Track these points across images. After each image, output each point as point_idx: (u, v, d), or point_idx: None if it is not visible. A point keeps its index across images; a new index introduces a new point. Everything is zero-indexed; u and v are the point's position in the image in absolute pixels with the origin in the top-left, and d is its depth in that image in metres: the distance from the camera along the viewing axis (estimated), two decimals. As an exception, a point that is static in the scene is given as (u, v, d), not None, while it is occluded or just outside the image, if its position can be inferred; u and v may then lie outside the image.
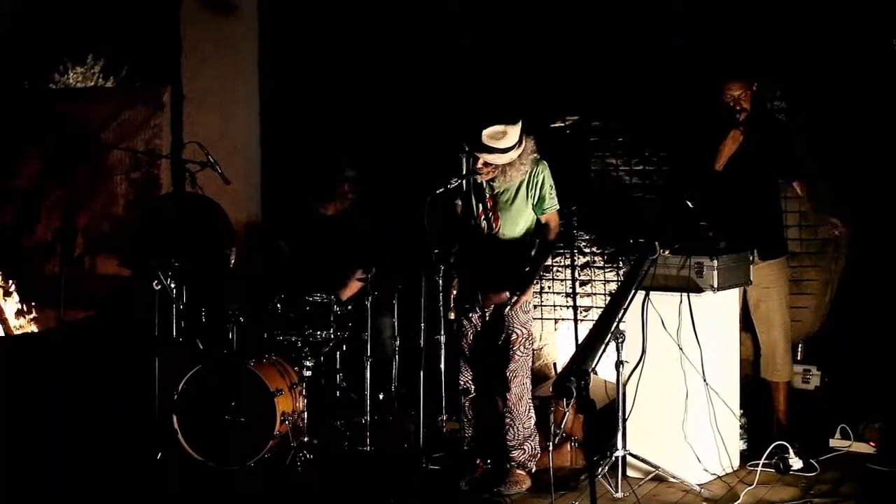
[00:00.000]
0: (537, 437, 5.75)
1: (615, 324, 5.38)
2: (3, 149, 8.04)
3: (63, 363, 6.71)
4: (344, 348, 6.47)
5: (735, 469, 5.91)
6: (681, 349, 5.65)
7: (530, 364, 5.74)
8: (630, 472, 5.70)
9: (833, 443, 6.15)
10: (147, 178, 7.89)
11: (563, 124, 7.04)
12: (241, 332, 6.29)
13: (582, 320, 7.10)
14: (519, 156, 5.61)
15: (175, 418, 6.00)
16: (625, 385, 5.61)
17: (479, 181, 5.65)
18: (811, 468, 5.78)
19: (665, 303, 5.68)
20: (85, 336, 7.15)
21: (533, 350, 5.81)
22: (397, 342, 6.44)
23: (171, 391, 6.01)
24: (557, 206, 5.72)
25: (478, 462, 5.82)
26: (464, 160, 5.58)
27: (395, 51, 7.63)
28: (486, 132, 5.55)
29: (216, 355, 6.24)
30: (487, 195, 5.70)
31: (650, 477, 5.67)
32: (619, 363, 5.52)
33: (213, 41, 7.73)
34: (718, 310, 5.87)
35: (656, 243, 5.53)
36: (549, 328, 7.55)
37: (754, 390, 6.33)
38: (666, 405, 5.69)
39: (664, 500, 5.49)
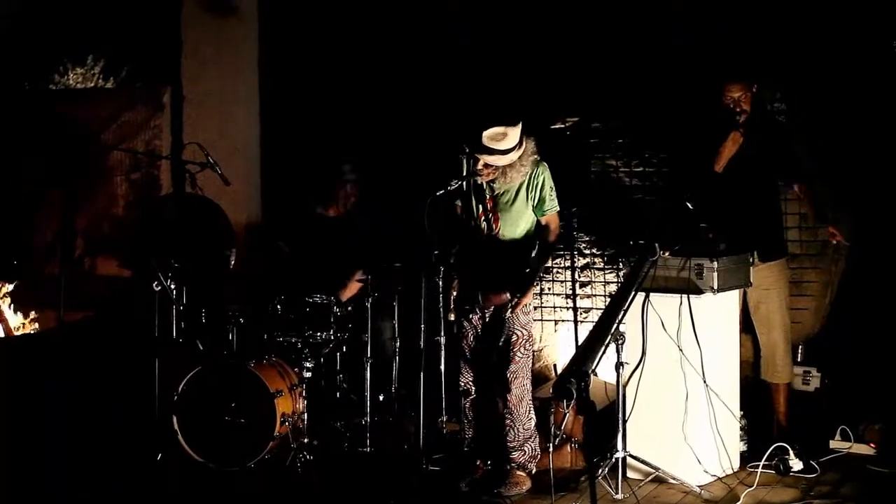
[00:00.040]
0: (537, 439, 5.75)
1: (615, 325, 5.39)
2: (3, 149, 8.04)
3: (63, 364, 6.70)
4: (344, 349, 6.47)
5: (735, 470, 5.91)
6: (681, 351, 5.65)
7: (530, 365, 5.75)
8: (630, 474, 5.70)
9: (833, 444, 6.15)
10: (147, 179, 7.89)
11: (563, 126, 7.04)
12: (241, 333, 6.29)
13: (582, 322, 7.10)
14: (519, 157, 5.61)
15: (175, 419, 6.00)
16: (625, 386, 5.62)
17: (479, 182, 5.66)
18: (811, 469, 5.78)
19: (665, 304, 5.68)
20: (85, 337, 7.14)
21: (533, 351, 5.81)
22: (397, 343, 6.44)
23: (171, 392, 6.01)
24: (558, 208, 5.72)
25: (478, 463, 5.82)
26: (464, 161, 5.58)
27: (396, 51, 7.63)
28: (486, 133, 5.55)
29: (216, 356, 6.24)
30: (488, 196, 5.70)
31: (650, 478, 5.67)
32: (619, 365, 5.52)
33: (213, 42, 7.73)
34: (718, 311, 5.87)
35: (656, 245, 5.54)
36: (549, 329, 7.55)
37: (754, 392, 6.33)
38: (666, 406, 5.69)
39: (664, 501, 5.49)
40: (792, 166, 6.29)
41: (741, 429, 6.06)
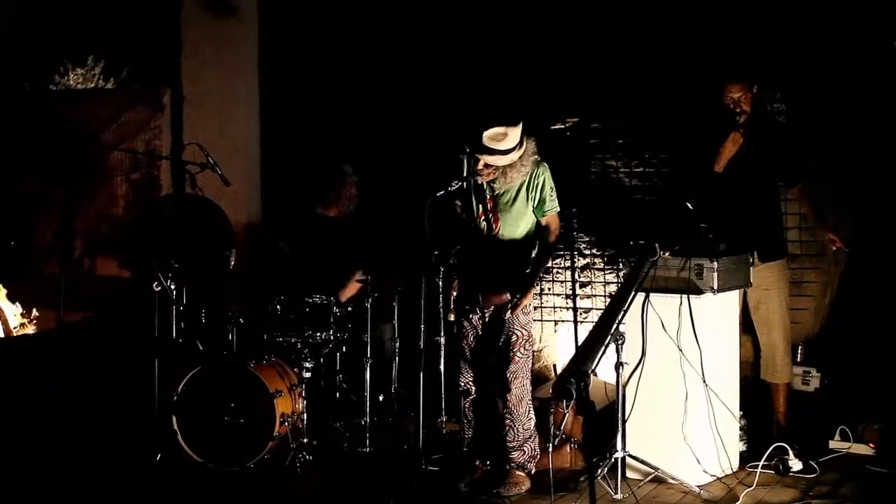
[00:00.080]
0: (537, 439, 5.75)
1: (615, 325, 5.39)
2: (3, 150, 8.04)
3: (64, 364, 6.70)
4: (344, 350, 6.47)
5: (734, 470, 5.91)
6: (680, 351, 5.65)
7: (530, 365, 5.75)
8: (629, 474, 5.70)
9: (832, 444, 6.15)
10: (147, 180, 7.89)
11: (563, 126, 7.04)
12: (240, 334, 6.30)
13: (582, 322, 7.10)
14: (519, 157, 5.61)
15: (175, 419, 6.00)
16: (624, 386, 5.62)
17: (479, 182, 5.66)
18: (811, 470, 5.79)
19: (665, 304, 5.68)
20: (85, 337, 7.14)
21: (533, 352, 5.82)
22: (397, 343, 6.44)
23: (170, 392, 6.02)
24: (558, 208, 5.72)
25: (477, 463, 5.82)
26: (464, 161, 5.58)
27: (396, 51, 7.63)
28: (486, 134, 5.55)
29: (216, 356, 6.25)
30: (488, 196, 5.70)
31: (649, 478, 5.67)
32: (618, 365, 5.52)
33: (213, 43, 7.73)
34: (718, 311, 5.87)
35: (656, 245, 5.54)
36: (549, 330, 7.55)
37: (754, 392, 6.33)
38: (665, 407, 5.69)
39: (663, 501, 5.49)
40: (792, 167, 6.29)
41: (741, 429, 6.07)
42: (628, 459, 5.64)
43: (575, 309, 6.21)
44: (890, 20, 6.39)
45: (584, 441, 6.01)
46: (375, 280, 6.23)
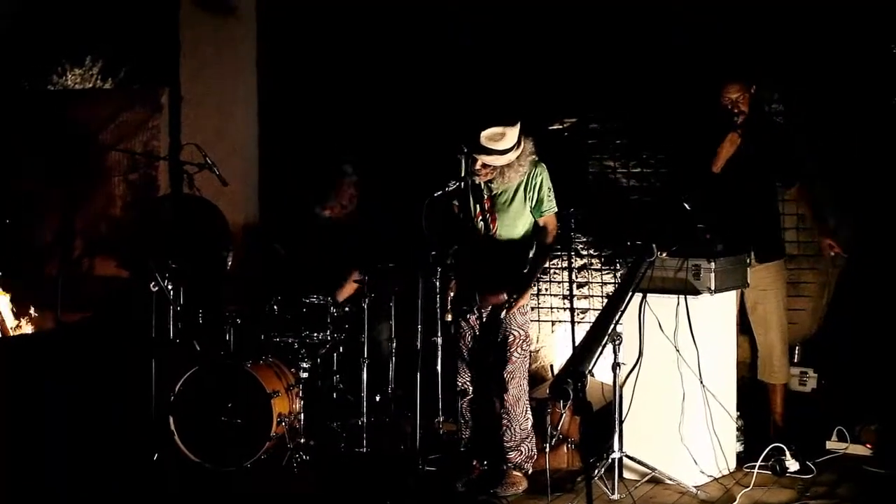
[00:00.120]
0: (534, 439, 5.74)
1: (612, 326, 5.40)
2: (1, 150, 8.04)
3: (62, 364, 6.71)
4: (341, 350, 6.46)
5: (731, 471, 5.91)
6: (678, 351, 5.64)
7: (528, 366, 5.74)
8: (626, 474, 5.69)
9: (829, 445, 6.16)
10: (145, 180, 7.89)
11: (560, 126, 7.05)
12: (237, 334, 6.29)
13: (579, 322, 7.11)
14: (517, 157, 5.60)
15: (172, 419, 6.00)
16: (621, 387, 5.62)
17: (477, 182, 5.65)
18: (808, 470, 5.79)
19: (662, 305, 5.68)
20: (83, 337, 7.14)
21: (530, 352, 5.82)
22: (394, 344, 6.44)
23: (167, 392, 6.01)
24: (555, 209, 5.71)
25: (474, 463, 5.82)
26: (462, 161, 5.58)
27: (395, 51, 7.63)
28: (484, 134, 5.54)
29: (213, 357, 6.24)
30: (485, 196, 5.69)
31: (647, 479, 5.67)
32: (615, 365, 5.53)
33: (211, 43, 7.73)
34: (715, 312, 5.87)
35: (653, 245, 5.54)
36: (546, 330, 7.55)
37: (751, 392, 6.33)
38: (662, 407, 5.69)
39: (660, 502, 5.49)
40: (790, 167, 6.29)
41: (738, 429, 6.07)
42: (625, 460, 5.63)
43: (572, 309, 6.20)
44: (888, 21, 6.39)
45: (581, 441, 6.01)
46: (372, 280, 6.23)
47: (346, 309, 6.41)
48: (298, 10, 7.80)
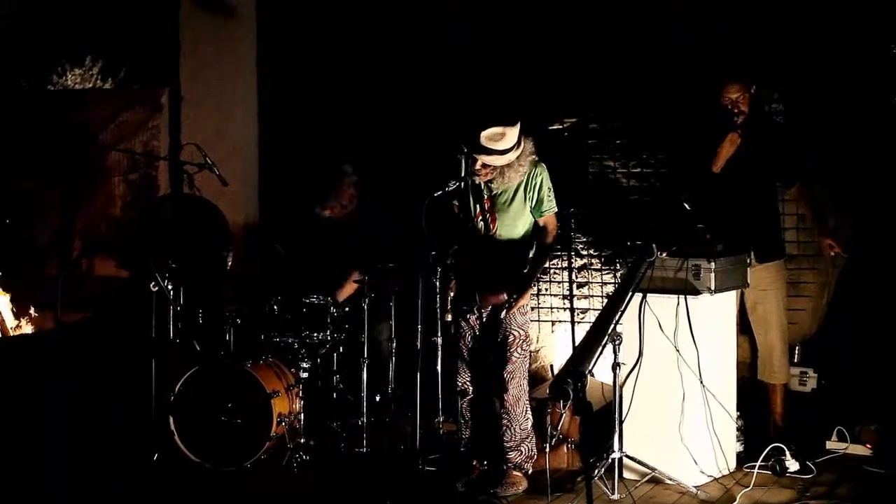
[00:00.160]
0: (534, 439, 5.74)
1: (612, 326, 5.39)
2: (1, 150, 8.04)
3: (62, 364, 6.71)
4: (341, 350, 6.46)
5: (731, 471, 5.91)
6: (678, 351, 5.64)
7: (528, 366, 5.74)
8: (626, 474, 5.69)
9: (829, 445, 6.16)
10: (145, 180, 7.90)
11: (560, 126, 7.04)
12: (237, 334, 6.29)
13: (579, 322, 7.11)
14: (517, 157, 5.60)
15: (172, 419, 6.00)
16: (621, 387, 5.62)
17: (477, 182, 5.65)
18: (808, 470, 5.79)
19: (662, 305, 5.68)
20: (83, 337, 7.14)
21: (530, 352, 5.82)
22: (394, 344, 6.44)
23: (167, 392, 6.01)
24: (556, 209, 5.71)
25: (474, 463, 5.81)
26: (462, 161, 5.58)
27: (395, 51, 7.63)
28: (484, 134, 5.54)
29: (213, 357, 6.24)
30: (485, 196, 5.69)
31: (647, 479, 5.67)
32: (615, 365, 5.53)
33: (211, 43, 7.73)
34: (715, 312, 5.87)
35: (653, 245, 5.54)
36: (546, 330, 7.55)
37: (751, 392, 6.33)
38: (663, 407, 5.69)
39: (660, 502, 5.49)
40: (790, 167, 6.29)
41: (738, 429, 6.07)
42: (625, 460, 5.63)
43: (572, 309, 6.20)
44: (888, 21, 6.39)
45: (581, 441, 6.01)
46: (372, 280, 6.23)
47: (346, 309, 6.41)
48: (298, 11, 7.80)
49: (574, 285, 7.31)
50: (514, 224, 5.68)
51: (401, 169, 7.40)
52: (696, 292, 5.69)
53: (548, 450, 5.68)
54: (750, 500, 5.46)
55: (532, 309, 6.54)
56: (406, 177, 7.16)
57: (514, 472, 5.66)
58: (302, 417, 6.10)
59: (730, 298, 6.03)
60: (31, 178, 8.01)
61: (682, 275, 5.74)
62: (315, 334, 6.26)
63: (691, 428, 5.65)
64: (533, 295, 7.16)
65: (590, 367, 5.31)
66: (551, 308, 7.53)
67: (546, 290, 7.53)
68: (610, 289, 7.30)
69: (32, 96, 8.42)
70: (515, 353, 5.63)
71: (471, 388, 5.79)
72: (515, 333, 5.63)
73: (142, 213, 7.62)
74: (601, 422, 5.73)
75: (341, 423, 6.30)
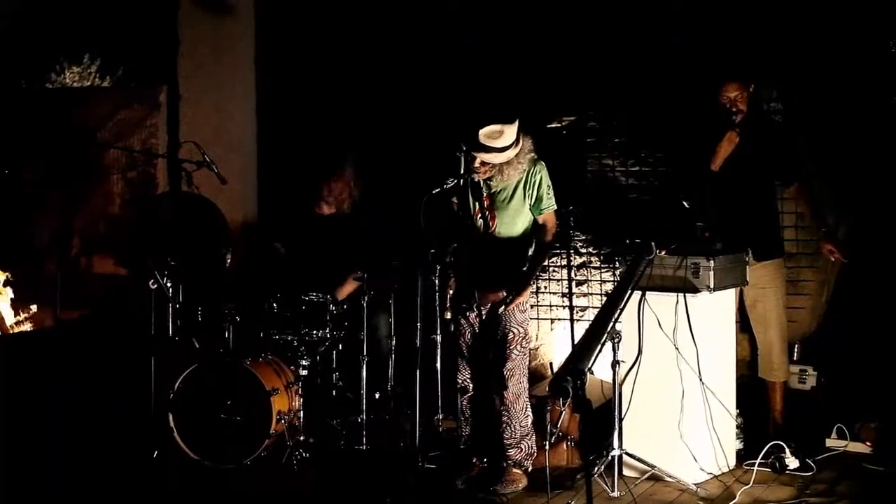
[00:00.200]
0: (534, 436, 5.74)
1: (611, 324, 5.40)
2: (0, 149, 8.03)
3: (62, 362, 6.70)
4: (340, 347, 6.47)
5: (731, 468, 5.91)
6: (677, 349, 5.65)
7: (527, 363, 5.74)
8: (626, 472, 5.69)
9: (829, 442, 6.16)
10: (143, 178, 7.88)
11: (559, 125, 7.04)
12: (237, 331, 6.29)
13: (578, 320, 7.10)
14: (516, 155, 5.60)
15: (171, 417, 6.00)
16: (621, 385, 5.62)
17: (476, 180, 5.65)
18: (807, 468, 5.79)
19: (661, 303, 5.68)
20: (82, 335, 7.13)
21: (529, 349, 5.81)
22: (393, 341, 6.44)
23: (167, 390, 6.01)
24: (555, 206, 5.71)
25: (474, 461, 5.82)
26: (461, 159, 5.58)
27: (394, 50, 7.62)
28: (482, 131, 5.54)
29: (212, 354, 6.24)
30: (484, 194, 5.69)
31: (646, 476, 5.67)
32: (615, 363, 5.52)
33: (209, 41, 7.73)
34: (715, 310, 5.88)
35: (653, 244, 5.55)
36: (545, 328, 7.55)
37: (751, 390, 6.34)
38: (662, 405, 5.69)
39: (660, 499, 5.49)
40: (788, 166, 6.29)
41: (737, 427, 6.07)
42: (625, 457, 5.63)
43: (571, 307, 6.20)
44: (887, 20, 6.39)
45: (580, 439, 6.02)
46: (372, 278, 6.23)
47: (346, 306, 6.40)
48: (297, 9, 7.80)
49: (573, 283, 7.31)
50: (514, 222, 5.68)
51: (400, 167, 7.39)
52: (696, 290, 5.70)
53: (547, 447, 5.68)
54: (750, 498, 5.46)
55: (531, 307, 6.55)
56: (405, 175, 7.16)
57: (514, 470, 5.66)
58: (301, 415, 6.10)
59: (729, 296, 6.03)
60: (30, 176, 7.99)
61: (681, 273, 5.75)
62: (314, 332, 6.26)
63: (691, 425, 5.66)
64: (532, 293, 7.15)
65: (589, 365, 5.32)
66: (550, 306, 7.53)
67: (545, 287, 7.53)
68: (609, 287, 7.30)
69: (31, 95, 8.41)
70: (515, 351, 5.63)
71: (470, 385, 5.79)
72: (515, 331, 5.63)
73: (140, 211, 7.62)
74: (601, 419, 5.74)
75: (341, 421, 6.30)
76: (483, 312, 5.73)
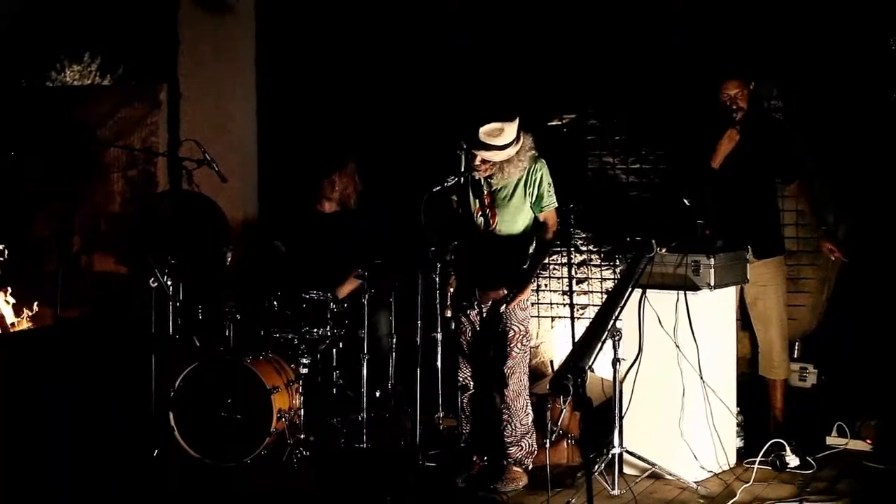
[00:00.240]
0: (534, 434, 5.75)
1: (612, 322, 5.38)
2: (0, 147, 8.03)
3: (62, 361, 6.69)
4: (340, 345, 6.47)
5: (732, 466, 5.91)
6: (677, 347, 5.65)
7: (528, 361, 5.75)
8: (627, 470, 5.70)
9: (829, 440, 6.16)
10: (144, 176, 7.87)
11: (560, 122, 7.03)
12: (237, 330, 6.29)
13: (579, 318, 7.10)
14: (517, 153, 5.60)
15: (172, 415, 6.00)
16: (621, 383, 5.62)
17: (476, 178, 5.65)
18: (808, 466, 5.79)
19: (662, 301, 5.69)
20: (82, 334, 7.13)
21: (530, 347, 5.81)
22: (394, 339, 6.44)
23: (167, 388, 6.01)
24: (555, 204, 5.72)
25: (474, 459, 5.82)
26: (462, 157, 5.58)
27: (394, 49, 7.62)
28: (483, 129, 5.54)
29: (213, 352, 6.24)
30: (485, 192, 5.69)
31: (647, 474, 5.68)
32: (615, 361, 5.53)
33: (210, 40, 7.72)
34: (715, 308, 5.88)
35: (653, 241, 5.54)
36: (545, 326, 7.55)
37: (751, 388, 6.34)
38: (662, 403, 5.69)
39: (661, 497, 5.49)
40: (789, 163, 6.29)
41: (738, 425, 6.08)
42: (625, 455, 5.64)
43: (572, 305, 6.21)
44: (887, 18, 6.39)
45: (581, 437, 6.03)
46: (372, 276, 6.23)
47: (346, 304, 6.40)
48: (297, 9, 7.79)
49: (574, 281, 7.30)
50: (514, 220, 5.68)
51: (400, 166, 7.39)
52: (696, 288, 5.70)
53: (548, 445, 5.68)
54: (750, 496, 5.46)
55: (532, 304, 6.54)
56: (406, 174, 7.16)
57: (515, 468, 5.67)
58: (302, 413, 6.10)
59: (729, 294, 6.03)
60: (30, 174, 7.99)
61: (681, 270, 5.74)
62: (315, 330, 6.26)
63: (691, 423, 5.66)
64: (533, 290, 7.16)
65: (590, 363, 5.29)
66: (551, 304, 7.53)
67: (546, 285, 7.53)
68: (609, 285, 7.30)
69: (31, 93, 8.40)
70: (515, 349, 5.63)
71: (471, 383, 5.79)
72: (515, 329, 5.63)
73: (141, 210, 7.61)
74: (601, 417, 5.74)
75: (341, 419, 6.30)
76: (484, 310, 5.73)
